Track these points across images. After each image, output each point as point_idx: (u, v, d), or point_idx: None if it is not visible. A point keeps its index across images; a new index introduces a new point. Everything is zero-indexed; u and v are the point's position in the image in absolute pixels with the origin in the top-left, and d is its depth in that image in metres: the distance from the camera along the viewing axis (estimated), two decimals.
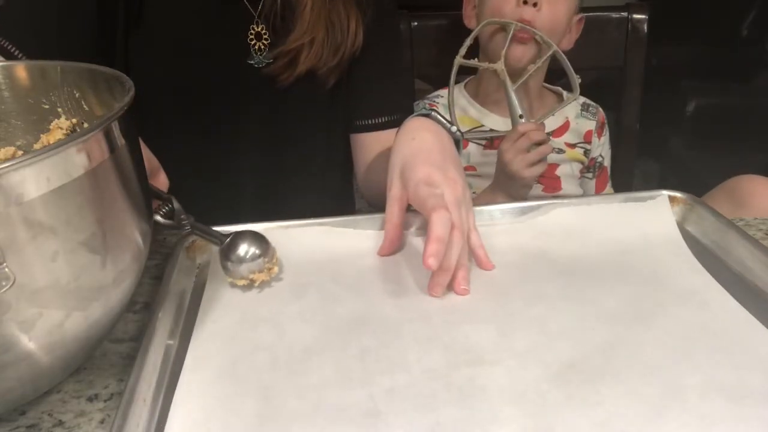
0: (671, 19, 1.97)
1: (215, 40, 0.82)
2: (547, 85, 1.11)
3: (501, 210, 0.70)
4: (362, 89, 0.90)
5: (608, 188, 1.15)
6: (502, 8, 0.97)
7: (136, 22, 0.79)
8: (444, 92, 1.11)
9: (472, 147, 1.06)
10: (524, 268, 0.62)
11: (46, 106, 0.55)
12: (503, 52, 0.94)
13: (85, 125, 0.54)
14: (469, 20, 1.07)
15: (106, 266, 0.43)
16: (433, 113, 0.69)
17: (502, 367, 0.49)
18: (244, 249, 0.59)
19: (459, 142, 0.70)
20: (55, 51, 0.60)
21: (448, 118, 0.71)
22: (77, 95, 0.54)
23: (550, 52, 0.94)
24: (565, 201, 0.71)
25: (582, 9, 1.06)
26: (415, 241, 0.66)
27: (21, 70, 0.56)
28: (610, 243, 0.65)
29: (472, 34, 0.97)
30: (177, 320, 0.56)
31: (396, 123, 0.77)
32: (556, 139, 1.08)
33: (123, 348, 0.54)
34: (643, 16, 1.19)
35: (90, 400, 0.49)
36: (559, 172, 1.07)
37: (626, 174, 1.26)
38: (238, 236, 0.60)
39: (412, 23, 1.16)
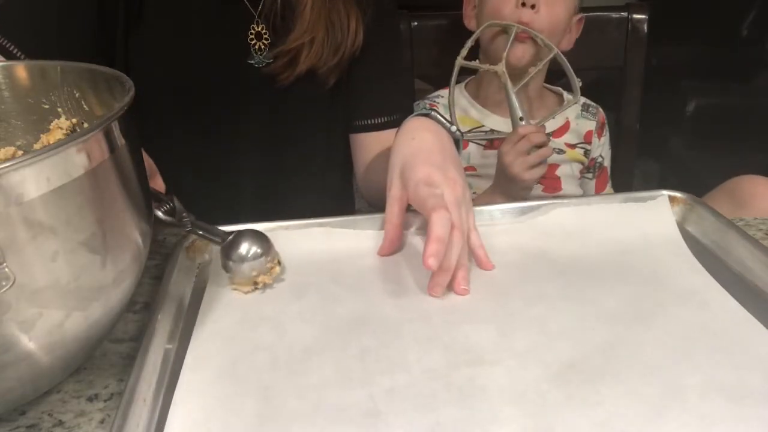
0: (671, 19, 1.97)
1: (215, 40, 0.82)
2: (547, 85, 1.11)
3: (501, 210, 0.70)
4: (362, 89, 0.90)
5: (608, 188, 1.15)
6: (500, 10, 0.97)
7: (136, 22, 0.79)
8: (444, 92, 1.11)
9: (472, 147, 1.06)
10: (524, 268, 0.62)
11: (46, 106, 0.55)
12: (504, 54, 0.93)
13: (85, 125, 0.54)
14: (469, 20, 1.07)
15: (106, 266, 0.43)
16: (433, 113, 0.69)
17: (502, 367, 0.49)
18: (246, 248, 0.59)
19: (459, 142, 0.70)
20: (55, 51, 0.60)
21: (448, 118, 0.71)
22: (77, 95, 0.54)
23: (551, 55, 0.94)
24: (565, 201, 0.71)
25: (582, 9, 1.06)
26: (415, 241, 0.66)
27: (21, 70, 0.56)
28: (610, 243, 0.65)
29: (473, 36, 0.96)
30: (177, 320, 0.56)
31: (396, 123, 0.77)
32: (557, 140, 1.08)
33: (123, 348, 0.54)
34: (643, 16, 1.19)
35: (90, 400, 0.49)
36: (559, 172, 1.07)
37: (626, 174, 1.26)
38: (240, 235, 0.60)
39: (412, 23, 1.16)
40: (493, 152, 1.00)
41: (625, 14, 1.19)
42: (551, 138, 1.06)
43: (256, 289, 0.59)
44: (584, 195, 1.10)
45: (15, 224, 0.37)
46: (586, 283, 0.59)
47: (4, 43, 0.71)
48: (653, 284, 0.59)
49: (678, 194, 0.70)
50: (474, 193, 1.02)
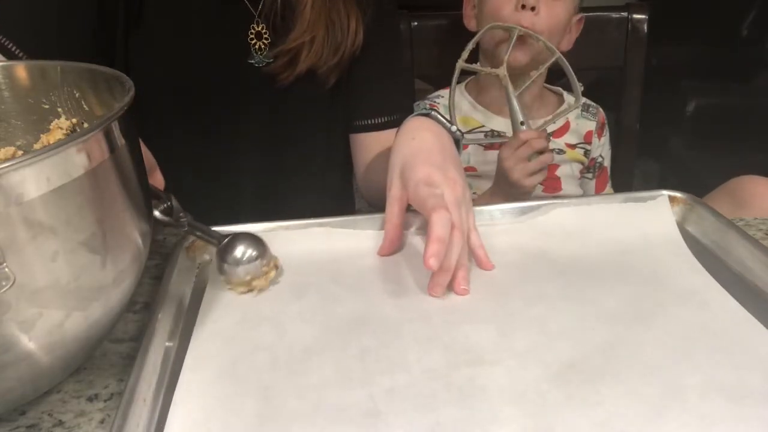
0: (671, 19, 1.97)
1: (215, 39, 0.82)
2: (547, 85, 1.11)
3: (501, 210, 0.70)
4: (362, 89, 0.90)
5: (608, 188, 1.15)
6: (500, 12, 0.97)
7: (136, 22, 0.79)
8: (445, 92, 1.11)
9: (472, 147, 1.06)
10: (524, 268, 0.62)
11: (46, 106, 0.55)
12: (506, 57, 0.93)
13: (85, 125, 0.54)
14: (469, 20, 1.07)
15: (106, 266, 0.43)
16: (433, 113, 0.69)
17: (502, 367, 0.49)
18: (241, 251, 0.59)
19: (459, 142, 0.70)
20: (55, 51, 0.60)
21: (448, 118, 0.71)
22: (77, 95, 0.54)
23: (553, 59, 0.93)
24: (565, 201, 0.71)
25: (582, 9, 1.06)
26: (415, 241, 0.66)
27: (21, 70, 0.56)
28: (610, 243, 0.65)
29: (475, 39, 0.95)
30: (177, 320, 0.56)
31: (396, 123, 0.77)
32: (557, 140, 1.08)
33: (123, 348, 0.54)
34: (643, 16, 1.19)
35: (90, 400, 0.49)
36: (559, 172, 1.07)
37: (626, 174, 1.26)
38: (236, 238, 0.60)
39: (412, 23, 1.16)
40: (494, 152, 1.00)
41: (625, 14, 1.19)
42: (551, 138, 1.06)
43: (250, 291, 0.59)
44: (584, 195, 1.10)
45: (15, 224, 0.37)
46: (586, 283, 0.59)
47: (4, 42, 0.71)
48: (653, 284, 0.59)
49: (678, 194, 0.70)
50: (474, 193, 1.02)
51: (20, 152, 0.56)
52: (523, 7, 0.95)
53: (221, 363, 0.50)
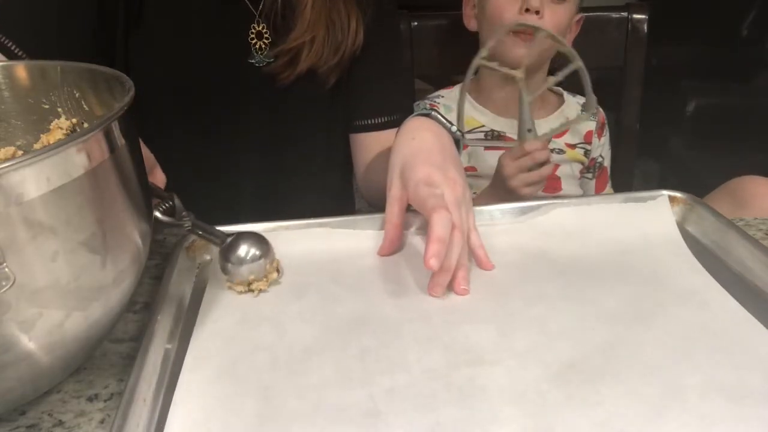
0: (671, 19, 1.97)
1: (216, 39, 0.82)
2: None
3: (501, 210, 0.70)
4: (362, 89, 0.90)
5: (608, 188, 1.15)
6: (503, 15, 0.96)
7: (136, 22, 0.79)
8: (445, 92, 1.11)
9: (472, 147, 1.06)
10: (524, 268, 0.62)
11: (46, 106, 0.55)
12: (526, 59, 0.90)
13: (85, 125, 0.54)
14: (469, 20, 1.07)
15: (106, 266, 0.43)
16: (433, 113, 0.69)
17: (502, 367, 0.49)
18: (245, 250, 0.59)
19: (459, 142, 0.70)
20: (55, 50, 0.60)
21: (448, 118, 0.71)
22: (77, 95, 0.54)
23: (574, 67, 0.90)
24: (565, 201, 0.71)
25: (582, 9, 1.06)
26: (415, 241, 0.66)
27: (21, 70, 0.56)
28: (610, 243, 0.65)
29: (498, 35, 0.92)
30: (177, 320, 0.56)
31: (396, 123, 0.77)
32: (557, 140, 1.08)
33: (123, 348, 0.54)
34: (643, 16, 1.19)
35: (90, 400, 0.49)
36: (559, 172, 1.07)
37: (626, 174, 1.26)
38: (240, 237, 0.60)
39: (412, 23, 1.16)
40: (494, 153, 1.00)
41: (625, 14, 1.19)
42: (551, 138, 1.06)
43: (249, 291, 0.59)
44: (584, 195, 1.10)
45: (15, 224, 0.37)
46: (586, 283, 0.59)
47: (4, 42, 0.71)
48: (653, 284, 0.59)
49: (678, 194, 0.70)
50: (474, 193, 1.02)
51: (20, 152, 0.56)
52: (527, 10, 0.95)
53: (221, 363, 0.50)
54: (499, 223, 0.69)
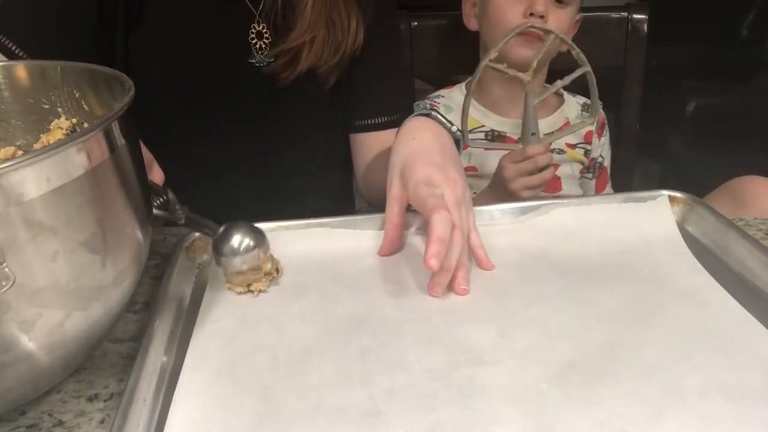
0: (671, 19, 1.97)
1: (216, 39, 0.82)
2: (547, 85, 1.11)
3: (501, 210, 0.70)
4: (362, 89, 0.90)
5: (608, 188, 1.15)
6: (507, 18, 0.96)
7: (136, 22, 0.79)
8: (445, 92, 1.11)
9: (472, 147, 1.06)
10: (524, 268, 0.62)
11: (46, 106, 0.55)
12: (534, 62, 0.89)
13: (85, 125, 0.54)
14: (469, 20, 1.07)
15: (106, 266, 0.43)
16: (433, 113, 0.69)
17: (502, 367, 0.49)
18: (238, 240, 0.57)
19: (459, 142, 0.70)
20: (55, 51, 0.60)
21: (449, 118, 0.71)
22: (77, 95, 0.54)
23: (581, 71, 0.89)
24: (565, 201, 0.71)
25: (582, 9, 1.06)
26: (415, 241, 0.66)
27: (21, 70, 0.56)
28: (610, 243, 0.65)
29: (508, 38, 0.90)
30: (177, 320, 0.56)
31: (396, 123, 0.77)
32: (557, 140, 1.07)
33: (123, 348, 0.54)
34: (643, 16, 1.19)
35: (90, 400, 0.49)
36: (559, 172, 1.07)
37: (626, 174, 1.26)
38: (232, 227, 0.58)
39: (412, 23, 1.16)
40: (495, 153, 1.00)
41: (625, 14, 1.19)
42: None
43: (249, 291, 0.59)
44: (584, 195, 1.10)
45: (15, 224, 0.37)
46: (586, 283, 0.59)
47: (4, 42, 0.71)
48: (653, 284, 0.59)
49: (678, 194, 0.70)
50: (474, 193, 1.02)
51: (20, 152, 0.56)
52: (532, 14, 0.95)
53: (221, 363, 0.50)
54: (499, 223, 0.69)
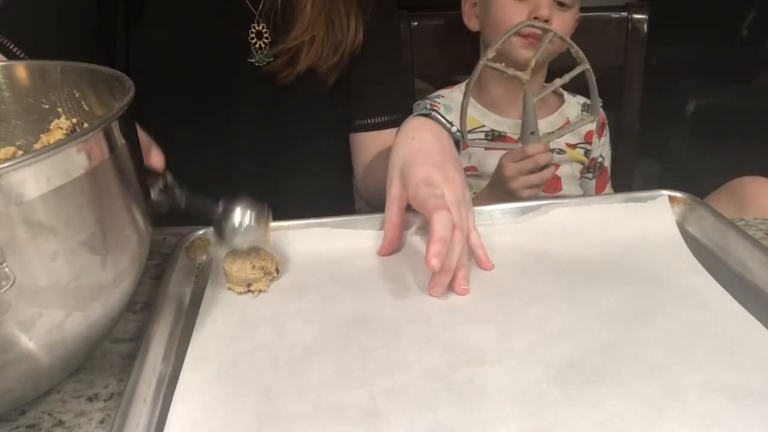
0: (671, 19, 1.97)
1: (216, 39, 0.82)
2: (547, 84, 1.11)
3: (501, 210, 0.70)
4: (362, 89, 0.90)
5: (608, 188, 1.15)
6: (510, 20, 0.96)
7: (136, 22, 0.79)
8: (445, 92, 1.11)
9: (473, 147, 1.06)
10: (524, 268, 0.62)
11: (46, 106, 0.55)
12: (533, 62, 0.89)
13: (85, 125, 0.54)
14: (469, 19, 1.07)
15: (106, 266, 0.43)
16: (433, 113, 0.69)
17: (502, 367, 0.49)
18: (239, 217, 0.57)
19: (459, 142, 0.70)
20: (55, 51, 0.60)
21: (449, 118, 0.71)
22: (77, 95, 0.54)
23: (580, 70, 0.89)
24: (565, 201, 0.71)
25: (582, 9, 1.06)
26: (415, 240, 0.66)
27: (21, 70, 0.56)
28: (610, 243, 0.65)
29: (506, 36, 0.89)
30: (177, 320, 0.56)
31: (396, 123, 0.77)
32: (557, 140, 1.07)
33: (123, 348, 0.54)
34: (643, 16, 1.19)
35: (90, 400, 0.49)
36: (559, 172, 1.07)
37: (626, 174, 1.26)
38: (232, 204, 0.57)
39: (412, 23, 1.16)
40: (495, 153, 1.00)
41: (625, 14, 1.19)
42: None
43: (249, 291, 0.59)
44: (584, 195, 1.10)
45: (15, 224, 0.37)
46: (586, 283, 0.59)
47: (4, 42, 0.71)
48: (653, 284, 0.59)
49: (678, 194, 0.70)
50: (474, 193, 1.02)
51: (20, 152, 0.56)
52: (536, 18, 0.95)
53: (221, 363, 0.50)
54: (499, 223, 0.69)
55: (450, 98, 1.09)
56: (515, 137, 1.04)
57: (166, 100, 0.83)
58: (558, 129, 1.08)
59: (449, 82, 1.14)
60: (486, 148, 1.06)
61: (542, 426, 0.43)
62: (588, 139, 1.10)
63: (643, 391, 0.46)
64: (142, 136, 0.61)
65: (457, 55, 1.15)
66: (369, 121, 0.90)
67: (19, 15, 0.73)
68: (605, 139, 1.13)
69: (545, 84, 1.11)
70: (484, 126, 1.07)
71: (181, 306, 0.58)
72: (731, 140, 1.85)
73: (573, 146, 1.09)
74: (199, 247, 0.65)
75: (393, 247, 0.65)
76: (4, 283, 0.37)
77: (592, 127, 1.10)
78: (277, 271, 0.61)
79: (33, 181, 0.37)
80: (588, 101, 1.11)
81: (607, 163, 1.15)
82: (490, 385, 0.47)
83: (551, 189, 1.07)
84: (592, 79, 0.89)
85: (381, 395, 0.46)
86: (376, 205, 0.84)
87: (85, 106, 0.55)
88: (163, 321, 0.53)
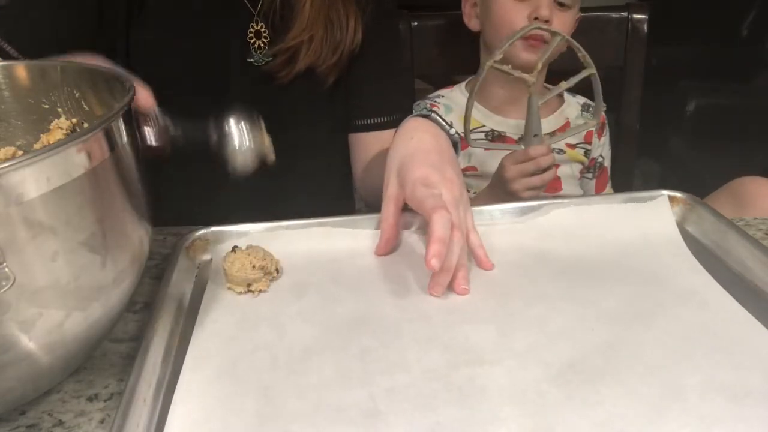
0: (671, 19, 1.97)
1: (215, 39, 0.82)
2: (547, 85, 1.11)
3: (501, 210, 0.70)
4: (361, 89, 0.90)
5: (608, 188, 1.15)
6: (511, 21, 0.96)
7: (136, 21, 0.79)
8: (445, 92, 1.11)
9: (473, 147, 1.06)
10: (524, 268, 0.62)
11: (46, 106, 0.55)
12: (539, 64, 0.90)
13: (85, 125, 0.54)
14: (469, 19, 1.07)
15: (106, 266, 0.43)
16: (432, 114, 0.69)
17: (502, 367, 0.49)
18: (237, 138, 0.59)
19: (457, 144, 0.70)
20: (55, 51, 0.60)
21: (448, 118, 0.71)
22: (77, 95, 0.54)
23: (586, 73, 0.89)
24: (566, 201, 0.71)
25: (582, 9, 1.06)
26: (414, 240, 0.66)
27: (21, 70, 0.56)
28: (610, 243, 0.65)
29: (513, 39, 0.90)
30: (177, 320, 0.56)
31: (395, 123, 0.77)
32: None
33: (123, 348, 0.54)
34: (643, 16, 1.19)
35: (90, 400, 0.49)
36: (559, 172, 1.07)
37: (626, 174, 1.26)
38: (225, 127, 0.59)
39: (412, 23, 1.16)
40: (495, 153, 1.00)
41: (625, 14, 1.19)
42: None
43: (249, 291, 0.59)
44: (584, 195, 1.10)
45: (15, 224, 0.37)
46: (586, 283, 0.59)
47: (3, 45, 0.71)
48: (653, 284, 0.59)
49: (678, 194, 0.70)
50: (474, 193, 1.02)
51: (20, 152, 0.56)
52: (536, 19, 0.95)
53: (221, 363, 0.50)
54: (499, 223, 0.69)
55: (450, 98, 1.09)
56: (515, 137, 1.04)
57: (165, 100, 0.82)
58: (558, 130, 1.08)
59: (449, 82, 1.14)
60: (486, 149, 1.06)
61: (542, 426, 0.43)
62: (588, 139, 1.10)
63: (643, 391, 0.46)
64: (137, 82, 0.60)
65: (457, 55, 1.15)
66: (368, 121, 0.90)
67: (18, 15, 0.73)
68: (605, 139, 1.13)
69: (549, 86, 1.11)
70: (484, 126, 1.07)
71: (181, 306, 0.58)
72: (731, 140, 1.85)
73: (573, 146, 1.09)
74: (199, 247, 0.65)
75: (390, 247, 0.65)
76: (4, 283, 0.37)
77: (592, 127, 1.10)
78: (277, 271, 0.61)
79: (33, 181, 0.37)
80: (588, 101, 1.11)
81: (607, 163, 1.15)
82: (490, 385, 0.47)
83: (551, 189, 1.07)
84: (597, 83, 0.89)
85: (381, 395, 0.46)
86: (374, 205, 0.84)
87: (85, 106, 0.55)
88: (163, 321, 0.53)
